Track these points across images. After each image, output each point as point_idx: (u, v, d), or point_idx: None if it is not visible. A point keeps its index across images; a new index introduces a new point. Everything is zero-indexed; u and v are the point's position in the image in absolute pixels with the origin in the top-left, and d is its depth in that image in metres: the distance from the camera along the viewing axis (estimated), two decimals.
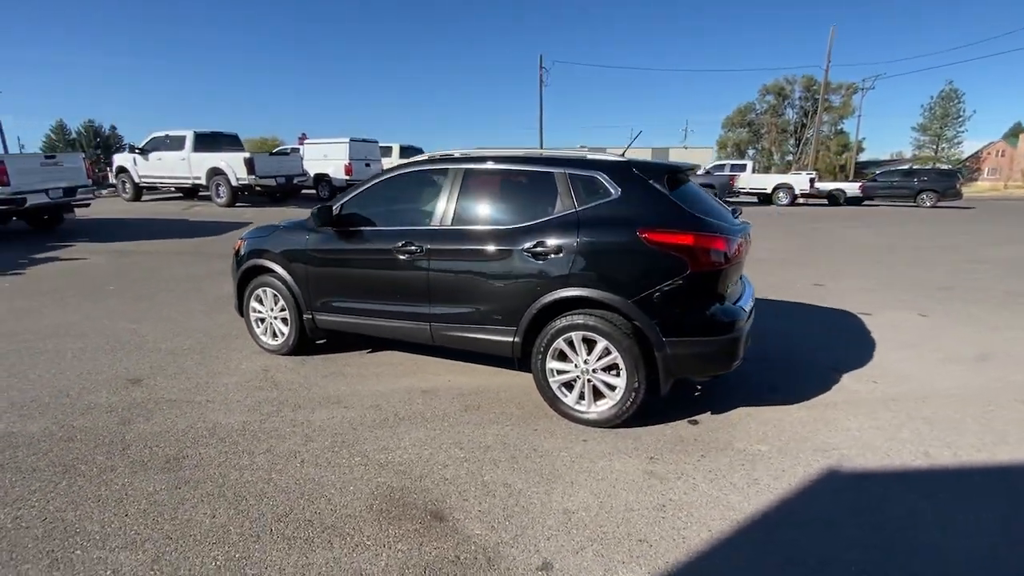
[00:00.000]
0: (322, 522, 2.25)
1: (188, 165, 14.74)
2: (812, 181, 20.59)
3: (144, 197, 16.31)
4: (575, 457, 2.77)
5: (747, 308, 3.15)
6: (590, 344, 2.99)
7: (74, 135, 52.84)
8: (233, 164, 14.16)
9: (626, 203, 2.99)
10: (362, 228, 3.68)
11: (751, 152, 52.90)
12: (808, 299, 5.95)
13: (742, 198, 22.11)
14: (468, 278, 3.29)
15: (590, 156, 3.27)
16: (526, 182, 3.33)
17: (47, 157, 8.59)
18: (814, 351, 4.35)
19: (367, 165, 17.06)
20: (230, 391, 3.54)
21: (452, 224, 3.36)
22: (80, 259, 8.05)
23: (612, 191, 3.03)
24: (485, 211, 3.37)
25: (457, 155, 3.55)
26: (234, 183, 14.29)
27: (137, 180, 15.62)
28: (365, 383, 3.70)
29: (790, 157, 51.19)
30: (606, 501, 2.40)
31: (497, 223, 3.28)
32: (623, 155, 3.69)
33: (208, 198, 15.31)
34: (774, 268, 7.72)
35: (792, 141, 51.93)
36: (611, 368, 2.98)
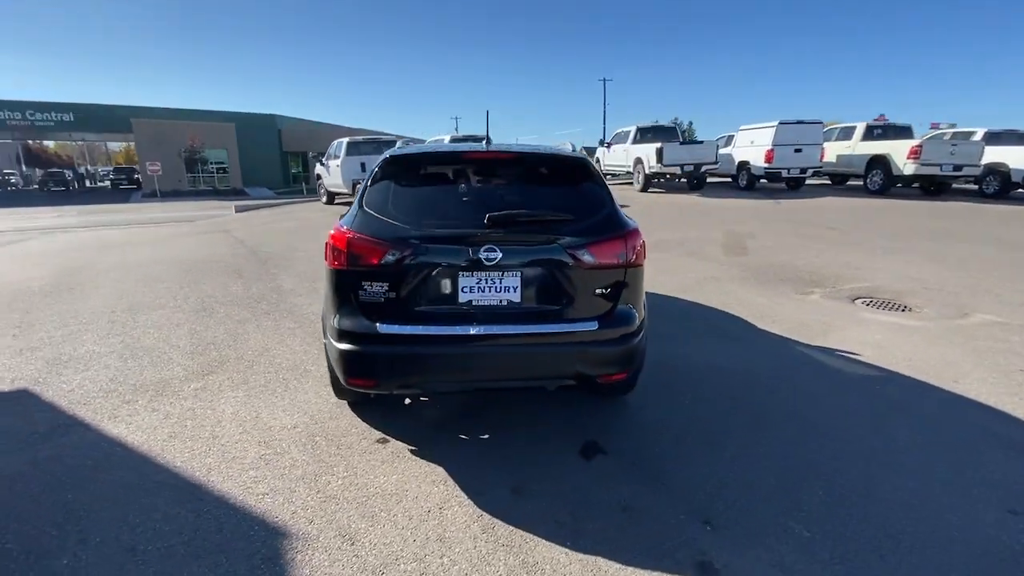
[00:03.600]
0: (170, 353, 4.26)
1: (626, 155, 17.69)
2: None
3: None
4: (279, 403, 3.49)
5: (426, 332, 2.48)
6: None
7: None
8: (649, 154, 15.92)
9: (363, 191, 2.91)
10: None
11: None
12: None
13: None
14: None
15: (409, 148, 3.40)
16: None
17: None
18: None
19: (797, 151, 14.83)
20: None
21: None
22: None
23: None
24: None
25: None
26: (647, 170, 16.13)
27: (601, 168, 19.68)
28: None
29: None
30: (179, 430, 3.25)
31: None
32: (485, 139, 3.31)
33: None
34: None
35: None
36: None
